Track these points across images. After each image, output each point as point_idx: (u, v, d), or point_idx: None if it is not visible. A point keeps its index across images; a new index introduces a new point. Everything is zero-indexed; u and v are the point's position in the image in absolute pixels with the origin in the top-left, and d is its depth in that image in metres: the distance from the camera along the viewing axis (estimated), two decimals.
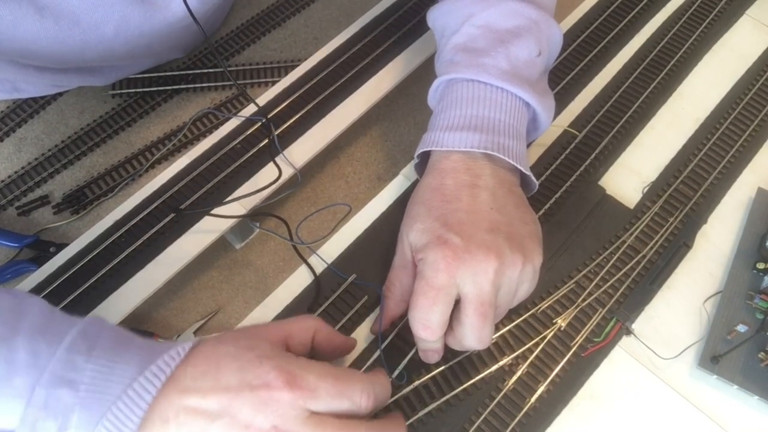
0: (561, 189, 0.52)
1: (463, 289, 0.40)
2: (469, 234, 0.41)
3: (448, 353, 0.45)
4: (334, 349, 0.41)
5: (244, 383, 0.34)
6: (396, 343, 0.45)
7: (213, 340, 0.37)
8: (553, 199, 0.51)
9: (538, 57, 0.47)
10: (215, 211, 0.48)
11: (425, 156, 0.48)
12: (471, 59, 0.46)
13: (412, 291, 0.42)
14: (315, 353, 0.41)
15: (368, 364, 0.45)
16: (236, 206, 0.49)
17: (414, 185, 0.48)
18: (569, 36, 0.60)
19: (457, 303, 0.41)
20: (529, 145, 0.52)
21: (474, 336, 0.40)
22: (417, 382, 0.44)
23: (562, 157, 0.54)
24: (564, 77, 0.59)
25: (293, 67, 0.59)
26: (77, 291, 0.47)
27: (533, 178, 0.46)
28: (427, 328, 0.40)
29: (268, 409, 0.33)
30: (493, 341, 0.45)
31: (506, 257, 0.40)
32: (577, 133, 0.54)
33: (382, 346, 0.44)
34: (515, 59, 0.46)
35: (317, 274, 0.48)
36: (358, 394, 0.35)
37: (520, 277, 0.42)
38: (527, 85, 0.46)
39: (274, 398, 0.33)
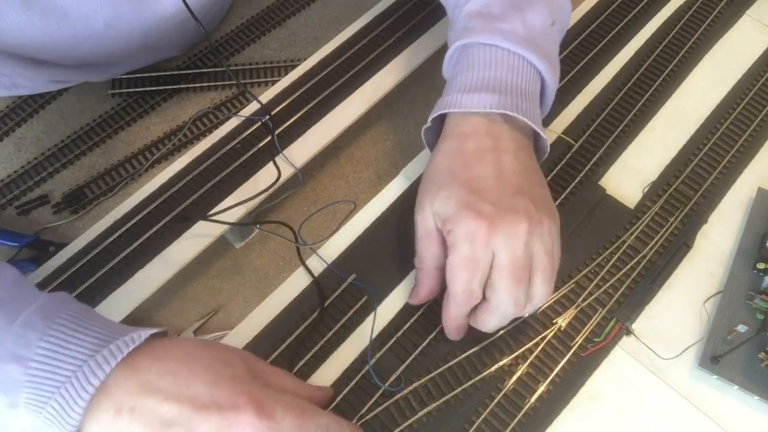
0: (561, 188, 0.52)
1: (497, 255, 0.40)
2: (497, 199, 0.41)
3: (448, 354, 0.45)
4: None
5: (213, 401, 0.33)
6: (394, 349, 0.45)
7: (186, 340, 0.36)
8: (553, 199, 0.51)
9: (551, 27, 0.47)
10: (218, 217, 0.48)
11: (436, 124, 0.47)
12: (487, 24, 0.46)
13: (444, 258, 0.42)
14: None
15: (363, 371, 0.44)
16: (237, 207, 0.49)
17: (414, 185, 0.48)
18: (569, 35, 0.60)
19: None
20: None
21: (511, 300, 0.40)
22: (417, 383, 0.44)
23: (565, 157, 0.54)
24: (564, 77, 0.58)
25: (293, 67, 0.58)
26: (77, 291, 0.46)
27: (547, 141, 0.46)
28: (473, 297, 0.41)
29: None
30: (493, 339, 0.45)
31: (534, 216, 0.41)
32: (573, 142, 0.54)
33: (371, 362, 0.44)
34: (531, 26, 0.46)
35: (316, 276, 0.48)
36: (315, 429, 0.35)
37: (550, 234, 0.42)
38: (542, 54, 0.46)
39: (240, 423, 0.33)
